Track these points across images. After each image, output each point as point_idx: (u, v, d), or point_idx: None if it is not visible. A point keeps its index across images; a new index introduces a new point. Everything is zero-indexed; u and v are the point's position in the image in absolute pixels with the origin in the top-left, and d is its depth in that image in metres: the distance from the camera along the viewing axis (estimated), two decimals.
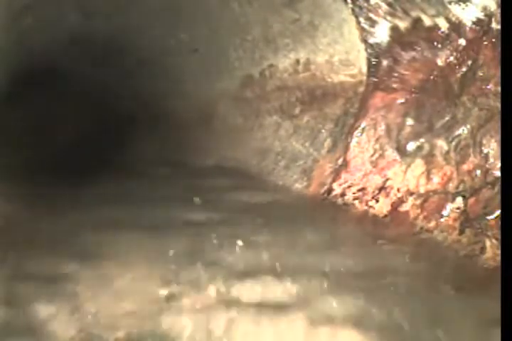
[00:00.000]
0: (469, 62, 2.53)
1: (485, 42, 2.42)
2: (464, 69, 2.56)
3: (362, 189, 2.98)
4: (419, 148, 2.73)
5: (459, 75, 2.58)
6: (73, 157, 6.50)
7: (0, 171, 4.04)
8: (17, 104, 6.06)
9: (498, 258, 2.04)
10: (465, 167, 2.44)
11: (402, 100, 2.92)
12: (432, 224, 2.45)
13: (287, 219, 2.97)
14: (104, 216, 3.18)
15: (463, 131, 2.50)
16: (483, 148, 2.36)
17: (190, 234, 2.70)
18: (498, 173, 2.26)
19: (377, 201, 2.84)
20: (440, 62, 2.69)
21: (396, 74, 2.96)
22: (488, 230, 2.19)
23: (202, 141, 5.73)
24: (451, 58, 2.63)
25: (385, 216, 2.73)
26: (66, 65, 6.96)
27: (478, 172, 2.36)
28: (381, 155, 2.96)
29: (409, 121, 2.84)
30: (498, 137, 2.27)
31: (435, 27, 2.67)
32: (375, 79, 3.14)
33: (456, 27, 2.56)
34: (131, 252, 2.40)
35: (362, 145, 3.11)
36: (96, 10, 5.04)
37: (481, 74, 2.44)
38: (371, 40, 3.09)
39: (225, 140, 5.28)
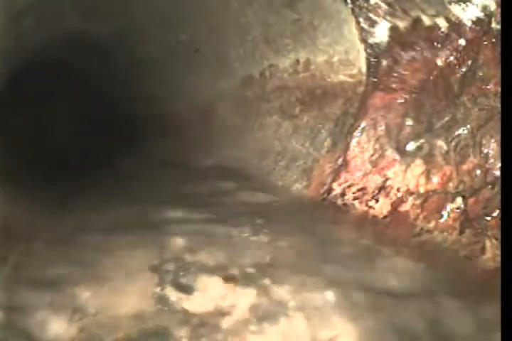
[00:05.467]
0: (469, 62, 2.52)
1: (485, 42, 2.42)
2: (464, 69, 2.55)
3: (362, 189, 2.98)
4: (419, 148, 2.73)
5: (458, 75, 2.58)
6: (73, 157, 6.50)
7: (0, 171, 4.04)
8: (17, 103, 6.06)
9: (498, 258, 2.04)
10: (465, 167, 2.44)
11: (402, 100, 2.91)
12: (432, 224, 2.45)
13: (287, 220, 2.97)
14: (105, 216, 3.18)
15: (463, 131, 2.50)
16: (483, 148, 2.36)
17: (190, 234, 2.70)
18: (498, 173, 2.25)
19: (377, 201, 2.84)
20: (440, 62, 2.69)
21: (396, 75, 2.96)
22: (488, 230, 2.19)
23: (202, 141, 5.73)
24: (451, 58, 2.63)
25: (385, 216, 2.73)
26: (66, 64, 6.96)
27: (478, 172, 2.36)
28: (381, 155, 2.96)
29: (409, 121, 2.84)
30: (498, 137, 2.27)
31: (435, 27, 2.67)
32: (375, 79, 3.13)
33: (456, 27, 2.55)
34: (131, 252, 2.40)
35: (362, 145, 3.11)
36: (96, 10, 5.04)
37: (481, 74, 2.44)
38: (371, 40, 3.09)
39: (225, 140, 5.28)
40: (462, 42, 2.55)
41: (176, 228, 2.83)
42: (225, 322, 1.79)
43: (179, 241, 2.56)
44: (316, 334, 1.73)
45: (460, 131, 2.51)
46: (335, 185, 3.17)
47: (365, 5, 2.94)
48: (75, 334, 1.69)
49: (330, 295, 1.95)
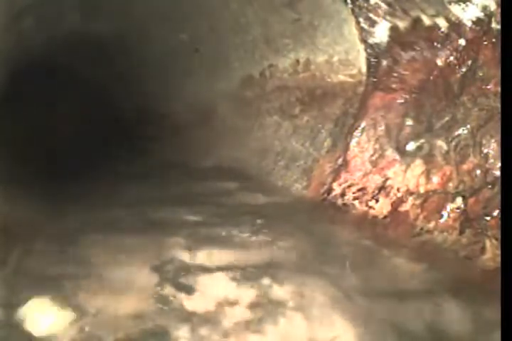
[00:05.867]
0: (469, 62, 2.53)
1: (485, 42, 2.42)
2: (464, 69, 2.55)
3: (362, 189, 2.98)
4: (419, 148, 2.73)
5: (458, 75, 2.58)
6: (73, 157, 6.50)
7: (0, 171, 4.04)
8: (17, 104, 6.06)
9: (498, 258, 2.04)
10: (465, 167, 2.44)
11: (402, 100, 2.91)
12: (432, 224, 2.45)
13: (287, 220, 2.97)
14: (104, 216, 3.18)
15: (463, 131, 2.50)
16: (483, 148, 2.36)
17: (190, 234, 2.70)
18: (498, 173, 2.26)
19: (377, 201, 2.84)
20: (440, 62, 2.69)
21: (395, 75, 2.96)
22: (488, 230, 2.19)
23: (202, 141, 5.73)
24: (451, 58, 2.63)
25: (385, 216, 2.73)
26: (66, 65, 6.96)
27: (478, 172, 2.36)
28: (381, 155, 2.96)
29: (409, 121, 2.84)
30: (498, 137, 2.27)
31: (435, 27, 2.67)
32: (375, 80, 3.13)
33: (456, 27, 2.55)
34: (131, 252, 2.40)
35: (362, 145, 3.11)
36: (96, 10, 5.04)
37: (481, 74, 2.44)
38: (371, 40, 3.09)
39: (225, 140, 5.28)
40: (462, 42, 2.55)
41: (176, 228, 2.83)
42: (225, 322, 1.79)
43: (179, 241, 2.56)
44: (316, 334, 1.73)
45: (460, 131, 2.52)
46: (335, 185, 3.17)
47: (365, 5, 2.94)
48: (75, 334, 1.69)
49: (330, 295, 1.95)
